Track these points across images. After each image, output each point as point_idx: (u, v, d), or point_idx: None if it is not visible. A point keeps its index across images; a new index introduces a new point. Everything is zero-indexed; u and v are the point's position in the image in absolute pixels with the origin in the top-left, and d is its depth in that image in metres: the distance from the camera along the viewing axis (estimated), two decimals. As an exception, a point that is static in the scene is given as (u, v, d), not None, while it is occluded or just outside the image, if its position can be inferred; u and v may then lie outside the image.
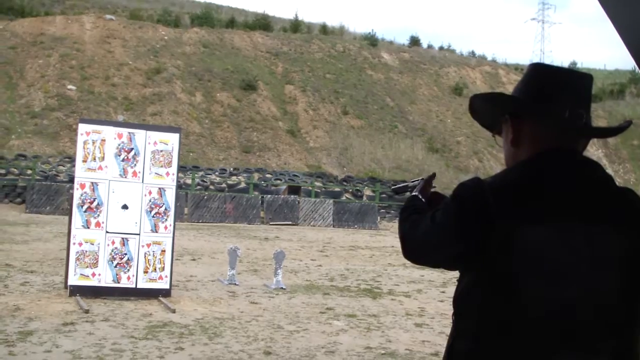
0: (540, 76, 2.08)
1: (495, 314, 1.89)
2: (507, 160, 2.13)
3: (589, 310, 1.87)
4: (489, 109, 2.17)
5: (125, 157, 10.69)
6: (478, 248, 1.90)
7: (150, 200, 10.80)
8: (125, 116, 37.45)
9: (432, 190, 2.53)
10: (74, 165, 30.59)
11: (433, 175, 2.58)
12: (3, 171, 31.21)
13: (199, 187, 33.08)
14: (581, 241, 1.88)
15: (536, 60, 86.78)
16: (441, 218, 2.02)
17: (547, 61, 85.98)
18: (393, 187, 3.09)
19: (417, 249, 2.19)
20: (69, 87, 40.27)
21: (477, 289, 1.94)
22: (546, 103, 2.00)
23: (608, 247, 1.90)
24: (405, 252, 2.20)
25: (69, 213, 11.19)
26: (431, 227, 2.05)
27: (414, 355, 8.44)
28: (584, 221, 1.89)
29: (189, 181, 32.83)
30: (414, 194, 2.49)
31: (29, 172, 31.12)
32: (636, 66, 3.62)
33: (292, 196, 33.09)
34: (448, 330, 7.74)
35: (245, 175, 36.41)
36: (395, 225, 35.63)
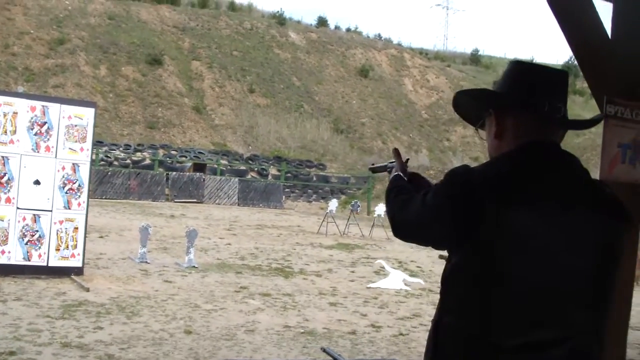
0: (521, 72, 2.23)
1: (481, 292, 2.01)
2: (490, 152, 2.27)
3: (567, 289, 2.02)
4: (473, 104, 2.30)
5: (39, 131, 10.39)
6: (467, 231, 2.01)
7: (63, 176, 10.56)
8: (26, 87, 36.19)
9: (410, 172, 2.63)
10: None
11: (406, 160, 2.68)
12: None
13: (102, 162, 32.40)
14: (562, 225, 2.02)
15: (440, 45, 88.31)
16: (432, 201, 2.12)
17: (450, 47, 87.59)
18: (370, 166, 3.17)
19: (407, 229, 2.28)
20: (-35, 54, 38.67)
21: (465, 269, 2.06)
22: (528, 97, 2.14)
23: (586, 232, 2.05)
24: (395, 231, 2.29)
25: (-24, 188, 10.82)
26: (422, 209, 2.15)
27: (332, 334, 8.58)
28: (564, 207, 2.04)
29: (92, 156, 32.09)
30: (396, 173, 2.58)
31: None
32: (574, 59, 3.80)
33: (197, 174, 32.83)
34: (362, 310, 7.96)
35: (150, 151, 35.86)
36: (299, 204, 36.01)
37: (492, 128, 2.22)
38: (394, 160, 2.73)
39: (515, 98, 2.16)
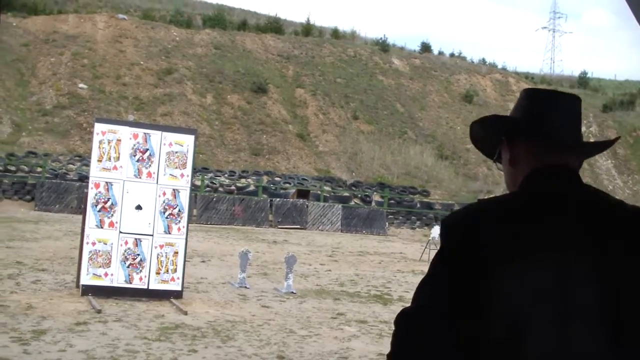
0: (531, 99, 2.09)
1: None
2: (506, 181, 2.10)
3: (582, 356, 1.72)
4: (486, 133, 2.15)
5: (140, 158, 10.68)
6: (465, 302, 1.75)
7: (164, 201, 10.79)
8: (136, 116, 37.46)
9: None
10: (84, 164, 30.78)
11: None
12: (13, 168, 31.19)
13: (208, 188, 33.01)
14: (560, 286, 1.76)
15: (546, 69, 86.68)
16: (422, 287, 1.84)
17: (557, 70, 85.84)
18: None
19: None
20: (80, 85, 40.35)
21: (464, 342, 1.77)
22: (536, 121, 2.01)
23: (591, 293, 1.77)
24: None
25: (82, 212, 11.20)
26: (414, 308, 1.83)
27: (427, 364, 8.39)
28: (570, 252, 1.79)
29: (198, 183, 32.74)
30: None
31: (39, 169, 31.15)
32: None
33: (300, 200, 33.08)
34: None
35: (254, 177, 36.36)
36: (403, 231, 35.69)
37: (507, 155, 2.07)
38: None
39: (523, 122, 2.03)
